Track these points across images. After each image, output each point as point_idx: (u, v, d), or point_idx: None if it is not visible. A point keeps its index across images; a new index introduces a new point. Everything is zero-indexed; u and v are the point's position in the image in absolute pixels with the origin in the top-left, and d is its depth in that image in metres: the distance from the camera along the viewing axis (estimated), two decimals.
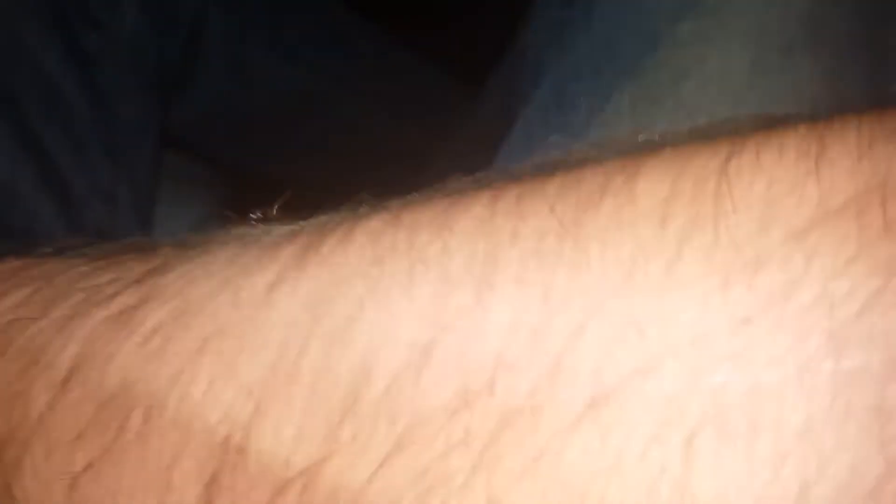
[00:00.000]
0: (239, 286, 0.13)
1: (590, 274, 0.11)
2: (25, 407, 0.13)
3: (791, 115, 0.12)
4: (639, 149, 0.12)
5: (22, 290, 0.14)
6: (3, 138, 0.41)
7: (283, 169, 0.58)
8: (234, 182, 0.55)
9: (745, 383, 0.09)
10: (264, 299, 0.12)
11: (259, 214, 0.14)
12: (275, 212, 0.14)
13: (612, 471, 0.10)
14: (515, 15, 0.44)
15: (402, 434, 0.11)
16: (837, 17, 0.30)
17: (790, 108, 0.29)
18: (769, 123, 0.12)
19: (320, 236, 0.13)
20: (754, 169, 0.10)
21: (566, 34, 0.36)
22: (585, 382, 0.10)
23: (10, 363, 0.14)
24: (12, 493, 0.13)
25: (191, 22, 0.50)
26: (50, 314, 0.14)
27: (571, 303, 0.10)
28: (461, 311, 0.11)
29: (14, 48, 0.42)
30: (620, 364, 0.10)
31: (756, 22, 0.30)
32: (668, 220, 0.10)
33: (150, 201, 0.46)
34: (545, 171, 0.12)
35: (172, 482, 0.12)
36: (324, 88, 0.57)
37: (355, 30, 0.57)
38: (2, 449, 0.14)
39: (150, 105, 0.47)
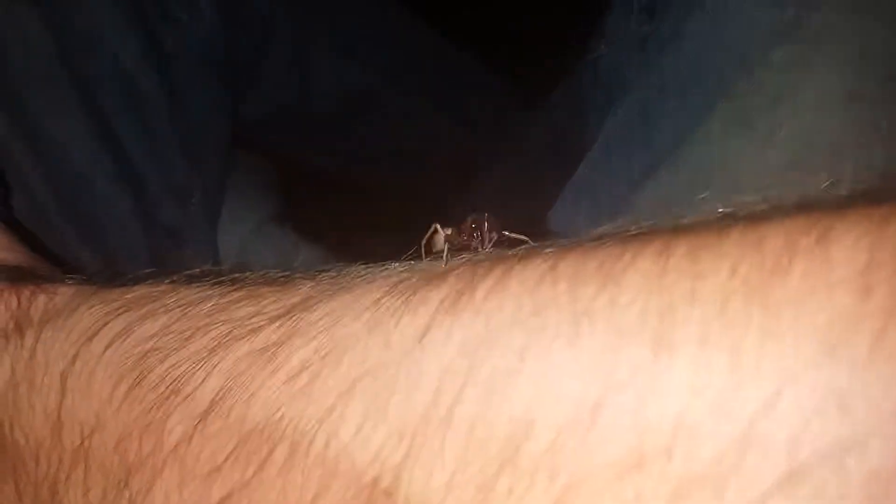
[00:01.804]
0: (389, 328, 0.12)
1: (783, 342, 0.10)
2: (160, 436, 0.13)
3: None
4: (820, 206, 0.11)
5: (159, 320, 0.14)
6: (82, 131, 0.42)
7: (343, 169, 0.58)
8: (294, 182, 0.55)
9: None
10: (417, 343, 0.12)
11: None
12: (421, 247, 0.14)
13: None
14: (584, 25, 0.43)
15: (564, 492, 0.11)
16: None
17: (888, 140, 0.28)
18: None
19: (472, 282, 0.12)
20: None
21: (651, 50, 0.35)
22: (779, 454, 0.10)
23: (147, 392, 0.14)
24: None
25: (260, 22, 0.51)
26: (190, 346, 0.14)
27: (763, 370, 0.10)
28: (636, 369, 0.11)
29: (93, 43, 0.43)
30: (820, 437, 0.10)
31: (856, 51, 0.29)
32: (871, 290, 0.10)
33: (220, 200, 0.47)
34: (714, 224, 0.12)
35: None
36: (384, 89, 0.57)
37: (415, 32, 0.57)
38: (130, 476, 0.14)
39: (222, 104, 0.48)
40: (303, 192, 0.54)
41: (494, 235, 0.18)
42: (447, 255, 0.15)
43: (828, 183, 0.12)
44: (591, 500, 0.10)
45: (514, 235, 0.18)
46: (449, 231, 0.19)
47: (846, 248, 0.10)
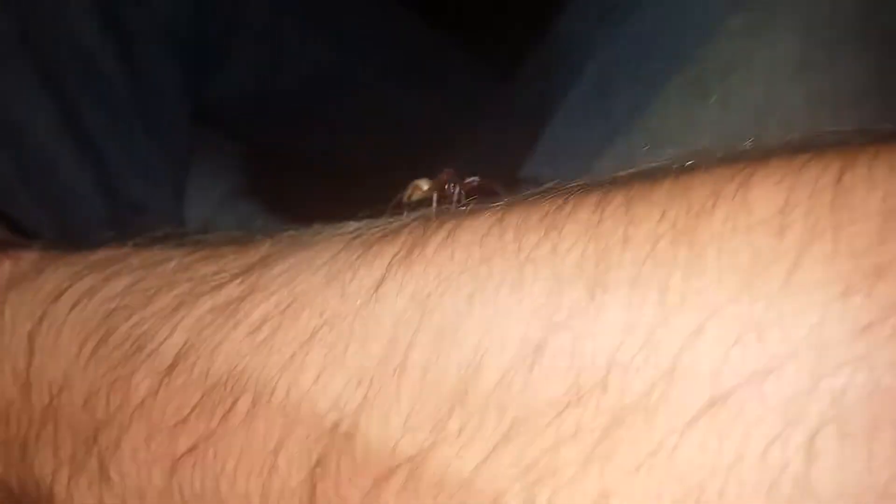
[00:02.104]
0: (345, 281, 0.13)
1: (706, 278, 0.11)
2: (127, 392, 0.14)
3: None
4: (744, 157, 0.12)
5: (123, 279, 0.15)
6: (43, 109, 0.42)
7: (314, 147, 0.58)
8: (263, 159, 0.55)
9: (866, 386, 0.10)
10: (372, 295, 0.13)
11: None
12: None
13: (731, 468, 0.10)
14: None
15: (511, 427, 0.11)
16: (885, 13, 0.30)
17: (836, 103, 0.29)
18: (876, 136, 0.12)
19: (424, 235, 0.13)
20: (868, 183, 0.11)
21: (610, 21, 0.36)
22: (703, 383, 0.10)
23: (113, 350, 0.14)
24: (109, 475, 0.14)
25: (231, 2, 0.50)
26: (154, 304, 0.14)
27: (688, 305, 0.11)
28: (574, 310, 0.11)
29: (54, 22, 0.42)
30: (740, 365, 0.10)
31: (804, 18, 0.30)
32: (786, 229, 0.11)
33: (185, 176, 0.47)
34: (648, 177, 0.13)
35: (277, 465, 0.13)
36: (356, 69, 0.57)
37: (388, 11, 0.57)
38: (99, 432, 0.14)
39: (187, 80, 0.48)
40: (271, 168, 0.54)
41: (474, 181, 0.19)
42: (434, 205, 0.15)
43: (752, 140, 0.13)
44: (535, 434, 0.11)
45: (485, 182, 0.19)
46: (427, 185, 0.19)
47: (765, 191, 0.11)
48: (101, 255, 0.16)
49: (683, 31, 0.32)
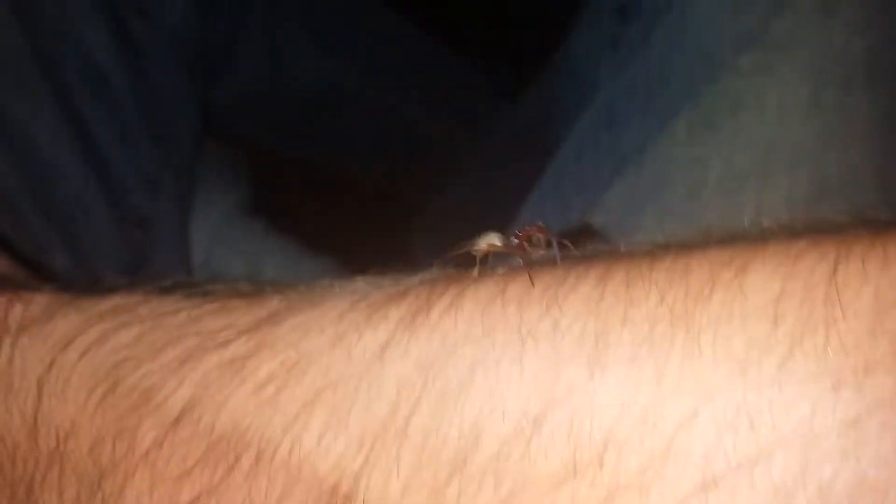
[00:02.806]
0: (351, 343, 0.13)
1: (702, 363, 0.11)
2: (132, 441, 0.14)
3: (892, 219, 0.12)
4: (742, 237, 0.12)
5: (132, 330, 0.15)
6: (50, 120, 0.42)
7: (317, 157, 0.58)
8: (266, 171, 0.55)
9: (852, 478, 0.10)
10: (377, 357, 0.13)
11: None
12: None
13: None
14: (560, 23, 0.44)
15: (508, 497, 0.12)
16: (895, 52, 0.30)
17: (846, 143, 0.29)
18: (872, 226, 0.12)
19: (429, 301, 0.13)
20: (861, 278, 0.11)
21: (621, 52, 0.36)
22: (696, 465, 0.11)
23: (121, 399, 0.14)
24: None
25: (234, 10, 0.51)
26: (162, 356, 0.14)
27: (684, 388, 0.11)
28: (573, 387, 0.12)
29: (62, 31, 0.42)
30: (731, 451, 0.11)
31: (815, 57, 0.30)
32: (780, 319, 0.11)
33: (191, 188, 0.47)
34: (648, 255, 0.13)
35: None
36: (358, 79, 0.57)
37: (391, 24, 0.57)
38: (103, 478, 0.14)
39: (193, 92, 0.48)
40: (274, 182, 0.54)
41: (552, 240, 0.19)
42: (489, 260, 0.15)
43: (752, 216, 0.13)
44: None
45: (564, 242, 0.19)
46: (498, 239, 0.19)
47: (761, 279, 0.11)
48: (111, 303, 0.16)
49: (693, 66, 0.32)
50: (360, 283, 0.15)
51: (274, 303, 0.15)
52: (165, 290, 0.16)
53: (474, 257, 0.16)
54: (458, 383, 0.12)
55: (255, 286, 0.16)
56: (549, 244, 0.17)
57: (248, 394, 0.13)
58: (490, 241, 0.18)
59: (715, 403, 0.11)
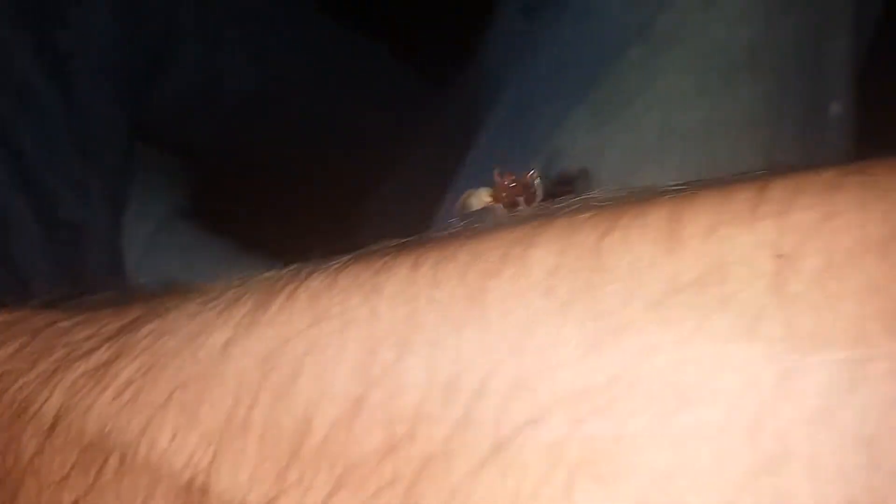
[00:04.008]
0: (199, 343, 0.14)
1: (491, 336, 0.12)
2: (18, 450, 0.15)
3: (666, 188, 0.13)
4: (543, 215, 0.13)
5: (12, 344, 0.16)
6: None
7: (253, 158, 0.59)
8: (202, 175, 0.56)
9: (613, 432, 0.11)
10: (220, 356, 0.14)
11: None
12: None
13: None
14: (478, 19, 0.45)
15: (340, 476, 0.13)
16: (777, 43, 0.32)
17: (732, 129, 0.31)
18: (646, 196, 0.13)
19: (268, 297, 0.14)
20: (623, 245, 0.12)
21: (527, 48, 0.37)
22: (488, 431, 0.12)
23: (4, 410, 0.15)
24: None
25: (162, 18, 0.51)
26: (37, 368, 0.15)
27: (475, 362, 0.12)
28: (386, 368, 0.13)
29: None
30: (515, 415, 0.12)
31: (700, 48, 0.32)
32: (553, 289, 0.12)
33: (122, 195, 0.47)
34: (454, 237, 0.14)
35: None
36: (294, 84, 0.57)
37: (324, 28, 0.58)
38: (0, 486, 0.15)
39: (122, 99, 0.48)
40: (211, 185, 0.54)
41: (538, 183, 0.19)
42: (490, 213, 0.16)
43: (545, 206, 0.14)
44: (362, 481, 0.13)
45: (549, 183, 0.19)
46: (489, 192, 0.19)
47: (541, 254, 0.12)
48: None
49: (590, 59, 0.34)
50: (218, 284, 0.16)
51: (137, 308, 0.16)
52: (48, 304, 0.17)
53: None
54: (291, 374, 0.13)
55: (122, 294, 0.17)
56: (528, 193, 0.18)
57: (110, 399, 0.14)
58: (481, 197, 0.19)
59: (501, 373, 0.12)
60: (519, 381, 0.12)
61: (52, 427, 0.15)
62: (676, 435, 0.11)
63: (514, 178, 0.20)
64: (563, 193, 0.15)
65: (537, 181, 0.19)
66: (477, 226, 0.14)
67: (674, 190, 0.13)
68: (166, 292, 0.16)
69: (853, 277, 0.11)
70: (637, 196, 0.13)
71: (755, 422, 0.11)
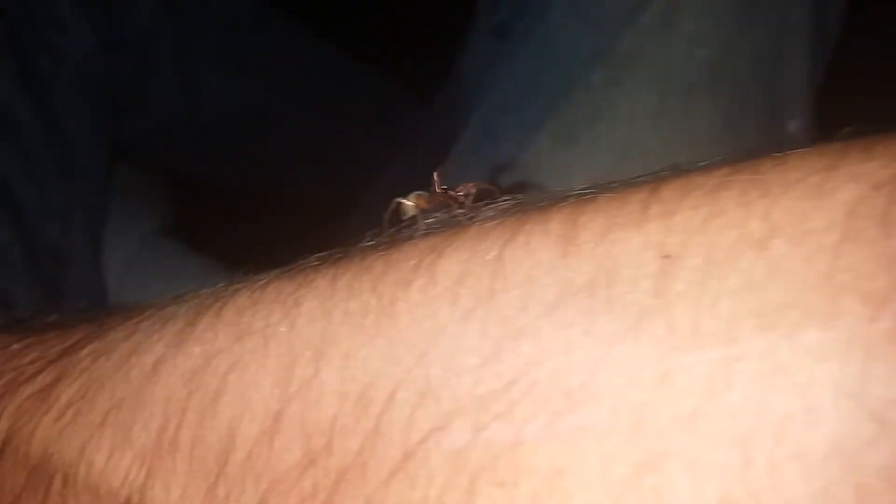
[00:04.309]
0: (132, 363, 0.15)
1: (399, 347, 0.13)
2: None
3: (570, 192, 0.13)
4: (447, 227, 0.14)
5: None
6: None
7: (234, 179, 0.59)
8: (183, 194, 0.56)
9: (511, 437, 0.12)
10: (151, 375, 0.14)
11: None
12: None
13: None
14: (454, 38, 0.46)
15: (265, 491, 0.13)
16: (735, 63, 0.33)
17: (693, 147, 0.32)
18: (551, 201, 0.13)
19: (197, 314, 0.15)
20: (524, 251, 0.13)
21: (497, 67, 0.38)
22: (398, 441, 0.12)
23: None
24: None
25: (141, 41, 0.51)
26: None
27: (385, 372, 0.13)
28: (303, 383, 0.13)
29: None
30: (422, 423, 0.12)
31: (659, 70, 0.32)
32: (459, 298, 0.12)
33: (102, 218, 0.48)
34: (365, 252, 0.14)
35: None
36: (274, 101, 0.58)
37: (303, 41, 0.59)
38: None
39: (102, 123, 0.49)
40: (192, 204, 0.55)
41: (472, 189, 0.19)
42: (421, 218, 0.16)
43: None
44: (285, 495, 0.13)
45: (485, 186, 0.19)
46: (422, 196, 0.19)
47: (449, 262, 0.13)
48: None
49: (554, 82, 0.35)
50: (156, 302, 0.16)
51: (81, 330, 0.16)
52: (2, 328, 0.18)
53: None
54: (215, 391, 0.14)
55: (68, 315, 0.17)
56: (470, 197, 0.18)
57: (52, 421, 0.15)
58: (416, 199, 0.19)
59: (409, 383, 0.12)
60: (425, 389, 0.12)
61: (2, 450, 0.15)
62: (566, 436, 0.11)
63: (445, 188, 0.20)
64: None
65: (472, 193, 0.20)
66: (400, 234, 0.14)
67: (577, 193, 0.13)
68: (107, 313, 0.16)
69: (731, 276, 0.11)
70: (544, 200, 0.13)
71: (637, 422, 0.11)
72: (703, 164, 0.13)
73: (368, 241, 0.15)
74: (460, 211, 0.15)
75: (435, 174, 0.19)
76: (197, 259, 0.52)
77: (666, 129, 0.32)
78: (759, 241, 0.11)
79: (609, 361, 0.11)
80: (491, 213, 0.14)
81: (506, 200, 0.14)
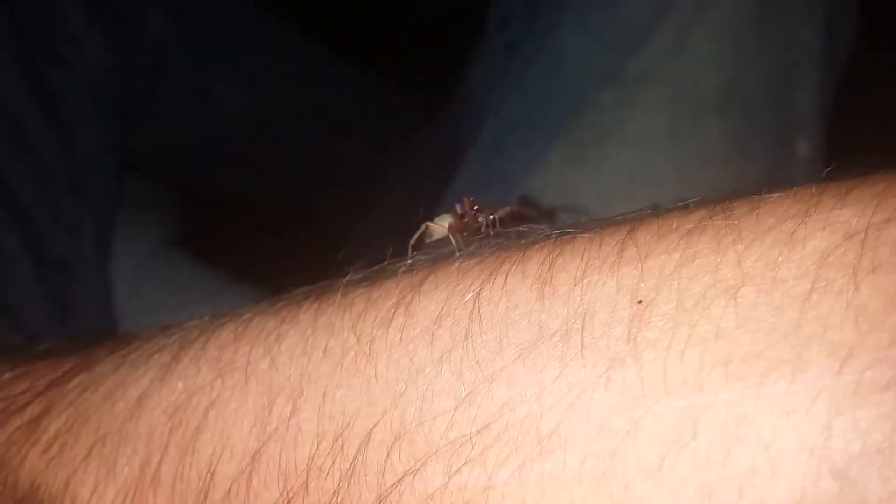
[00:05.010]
0: (117, 398, 0.15)
1: (377, 386, 0.13)
2: None
3: (551, 232, 0.13)
4: (425, 266, 0.14)
5: None
6: None
7: (244, 191, 0.59)
8: (192, 206, 0.56)
9: (483, 482, 0.12)
10: (135, 409, 0.14)
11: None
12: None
13: None
14: (462, 55, 0.46)
15: None
16: (746, 86, 0.32)
17: (702, 170, 0.31)
18: (532, 240, 0.13)
19: (182, 349, 0.15)
20: (502, 292, 0.13)
21: (505, 85, 0.38)
22: (373, 482, 0.12)
23: None
24: None
25: (152, 54, 0.52)
26: None
27: (362, 412, 0.13)
28: (281, 422, 0.13)
29: None
30: (397, 465, 0.12)
31: (671, 92, 0.32)
32: (435, 339, 0.13)
33: (111, 230, 0.48)
34: (341, 289, 0.14)
35: None
36: (283, 115, 0.58)
37: (314, 56, 0.59)
38: None
39: (113, 136, 0.49)
40: (201, 216, 0.55)
41: (500, 212, 0.19)
42: (457, 240, 0.16)
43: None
44: None
45: (514, 209, 0.19)
46: (449, 220, 0.20)
47: (429, 301, 0.13)
48: None
49: (563, 102, 0.34)
50: (144, 335, 0.16)
51: (70, 360, 0.16)
52: None
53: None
54: (196, 428, 0.14)
55: (60, 345, 0.17)
56: (490, 222, 0.19)
57: (39, 453, 0.15)
58: (444, 222, 0.19)
59: (384, 424, 0.12)
60: (401, 431, 0.12)
61: None
62: (536, 483, 0.11)
63: (474, 211, 0.20)
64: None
65: (491, 217, 0.20)
66: (385, 269, 0.14)
67: (558, 233, 0.13)
68: (97, 343, 0.16)
69: (701, 323, 0.11)
70: (525, 239, 0.14)
71: (605, 470, 0.11)
72: (681, 204, 0.13)
73: (354, 276, 0.15)
74: (448, 248, 0.15)
75: (465, 198, 0.19)
76: (205, 270, 0.52)
77: (675, 151, 0.32)
78: (729, 288, 0.11)
79: (580, 408, 0.11)
80: (470, 251, 0.14)
81: (484, 239, 0.14)
